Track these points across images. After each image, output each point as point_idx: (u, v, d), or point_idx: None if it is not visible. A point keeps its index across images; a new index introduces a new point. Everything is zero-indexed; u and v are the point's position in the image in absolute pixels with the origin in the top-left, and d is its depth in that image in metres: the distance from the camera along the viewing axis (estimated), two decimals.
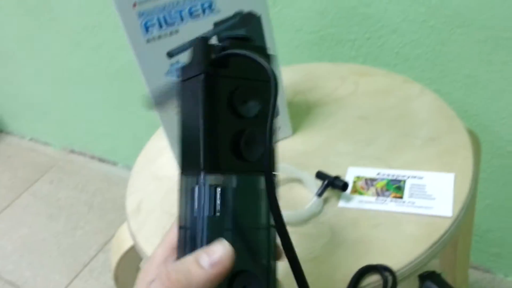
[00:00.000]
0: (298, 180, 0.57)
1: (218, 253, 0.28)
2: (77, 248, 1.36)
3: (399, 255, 0.47)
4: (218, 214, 0.30)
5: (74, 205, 1.50)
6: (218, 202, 0.30)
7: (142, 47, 0.51)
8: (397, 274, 0.46)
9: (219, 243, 0.29)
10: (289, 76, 0.74)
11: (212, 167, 0.30)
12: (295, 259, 0.31)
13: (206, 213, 0.30)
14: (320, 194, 0.54)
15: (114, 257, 0.62)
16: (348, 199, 0.54)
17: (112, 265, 0.63)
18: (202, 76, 0.29)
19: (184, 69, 0.32)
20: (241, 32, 0.34)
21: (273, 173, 0.31)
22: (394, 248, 0.48)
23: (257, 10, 0.53)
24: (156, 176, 0.64)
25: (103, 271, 1.29)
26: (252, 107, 0.31)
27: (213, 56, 0.30)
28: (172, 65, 0.53)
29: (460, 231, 0.76)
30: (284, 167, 0.58)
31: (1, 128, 1.91)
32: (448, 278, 0.87)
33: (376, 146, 0.60)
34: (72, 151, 1.71)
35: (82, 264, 1.31)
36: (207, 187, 0.29)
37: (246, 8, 0.53)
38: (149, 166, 0.66)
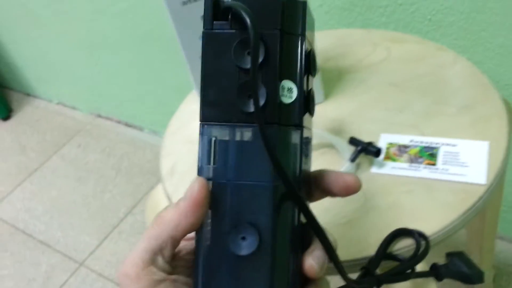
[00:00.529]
0: (331, 146, 0.58)
1: (191, 188, 0.29)
2: (106, 211, 1.40)
3: (432, 221, 0.48)
4: (213, 165, 0.30)
5: (101, 169, 1.53)
6: (215, 152, 0.30)
7: (178, 9, 0.51)
8: (431, 240, 0.47)
9: (193, 180, 0.30)
10: (320, 42, 0.73)
11: (209, 117, 0.30)
12: (312, 223, 0.31)
13: (202, 163, 0.30)
14: (353, 160, 0.54)
15: (149, 216, 0.64)
16: (381, 165, 0.54)
17: (147, 223, 0.64)
18: (203, 32, 0.30)
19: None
20: None
21: (290, 126, 0.30)
22: (426, 214, 0.49)
23: None
24: (189, 140, 0.65)
25: (131, 233, 1.32)
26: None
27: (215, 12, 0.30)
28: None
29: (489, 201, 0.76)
30: (316, 133, 0.58)
31: (29, 91, 1.94)
32: (474, 246, 0.87)
33: (408, 113, 0.60)
34: (99, 116, 1.73)
35: (111, 226, 1.35)
36: (205, 137, 0.30)
37: None
38: (182, 130, 0.67)
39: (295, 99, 0.30)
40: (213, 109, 0.30)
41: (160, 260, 0.31)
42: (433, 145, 0.55)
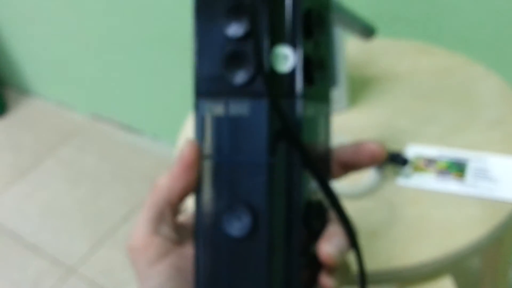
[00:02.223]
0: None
1: (182, 153, 0.30)
2: (100, 215, 1.40)
3: (460, 235, 0.48)
4: (208, 142, 0.30)
5: (98, 173, 1.53)
6: (205, 129, 0.30)
7: None
8: (457, 255, 0.48)
9: (184, 145, 0.30)
10: (352, 49, 0.74)
11: (201, 93, 0.30)
12: (336, 205, 0.30)
13: (197, 139, 0.30)
14: (379, 169, 0.55)
15: None
16: (408, 176, 0.55)
17: None
18: None
19: None
20: None
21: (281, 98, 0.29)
22: (454, 228, 0.49)
23: None
24: None
25: (125, 240, 1.31)
26: (244, 25, 0.29)
27: None
28: None
29: None
30: (341, 140, 0.59)
31: (26, 89, 1.95)
32: (487, 275, 0.88)
33: (436, 125, 0.61)
34: (98, 118, 1.74)
35: (105, 232, 1.35)
36: (198, 112, 0.30)
37: None
38: None
39: (293, 67, 0.29)
40: (205, 82, 0.30)
41: (163, 228, 0.31)
42: (462, 159, 0.56)
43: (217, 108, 0.29)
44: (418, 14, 0.85)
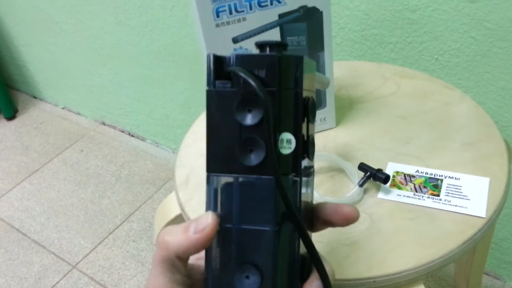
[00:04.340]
0: (340, 169, 0.60)
1: (203, 223, 0.32)
2: (103, 216, 1.40)
3: (434, 247, 0.50)
4: (219, 211, 0.32)
5: (102, 175, 1.54)
6: (218, 200, 0.33)
7: (211, 30, 0.54)
8: (431, 265, 0.49)
9: (205, 215, 0.32)
10: (337, 71, 0.76)
11: (214, 169, 0.32)
12: (314, 257, 0.33)
13: (209, 209, 0.33)
14: (361, 185, 0.56)
15: (159, 223, 0.65)
16: (387, 191, 0.56)
17: (156, 230, 0.66)
18: (207, 90, 0.32)
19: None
20: (279, 41, 0.35)
21: (285, 175, 0.32)
22: (429, 241, 0.51)
23: (320, 6, 0.56)
24: (203, 153, 0.67)
25: (126, 240, 1.33)
26: (254, 116, 0.32)
27: (218, 71, 0.32)
28: (235, 49, 0.56)
29: None
30: (328, 156, 0.60)
31: (36, 94, 1.95)
32: (461, 280, 0.89)
33: (415, 145, 0.62)
34: (103, 123, 1.75)
35: (107, 232, 1.35)
36: (211, 185, 0.33)
37: (310, 4, 0.55)
38: (197, 143, 0.69)
39: (294, 149, 0.32)
40: (217, 161, 0.32)
41: (177, 277, 0.33)
42: (437, 177, 0.57)
43: (228, 183, 0.32)
44: (401, 40, 0.87)
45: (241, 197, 0.32)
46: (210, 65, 0.32)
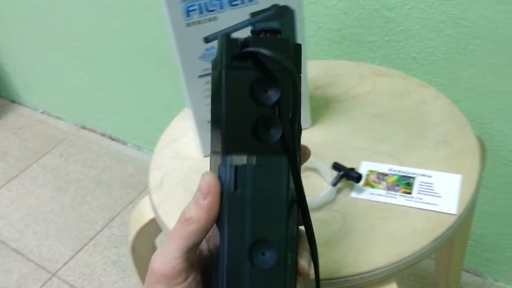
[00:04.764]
0: (315, 169, 0.61)
1: (204, 186, 0.33)
2: (83, 222, 1.40)
3: (405, 245, 0.51)
4: (238, 190, 0.33)
5: (82, 180, 1.54)
6: (237, 179, 0.34)
7: (182, 30, 0.54)
8: (402, 263, 0.50)
9: (201, 178, 0.34)
10: (310, 70, 0.77)
11: (232, 150, 0.33)
12: (311, 233, 0.37)
13: (227, 189, 0.33)
14: (334, 184, 0.57)
15: (133, 228, 0.66)
16: (360, 190, 0.58)
17: (131, 236, 0.66)
18: (223, 70, 0.33)
19: (214, 62, 0.36)
20: (273, 24, 0.37)
21: (297, 154, 0.35)
22: (401, 238, 0.52)
23: (292, 5, 0.57)
24: (178, 155, 0.67)
25: (107, 246, 1.32)
26: (272, 96, 0.34)
27: (234, 52, 0.33)
28: (207, 49, 0.56)
29: (458, 233, 0.80)
30: None
31: (15, 98, 1.94)
32: (441, 277, 0.91)
33: (389, 144, 0.63)
34: (84, 127, 1.74)
35: (88, 238, 1.35)
36: (228, 166, 0.33)
37: (282, 2, 0.56)
38: (172, 145, 0.69)
39: (300, 129, 0.35)
40: (235, 141, 0.34)
41: (191, 258, 0.34)
42: (410, 175, 0.58)
43: (244, 162, 0.34)
44: (379, 39, 0.89)
45: (257, 176, 0.34)
46: (224, 45, 0.33)
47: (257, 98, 0.34)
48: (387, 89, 0.73)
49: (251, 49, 0.33)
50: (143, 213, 0.65)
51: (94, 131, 1.72)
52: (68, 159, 1.63)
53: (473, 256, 1.08)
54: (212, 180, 0.33)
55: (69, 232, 1.38)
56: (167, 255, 0.33)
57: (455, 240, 0.81)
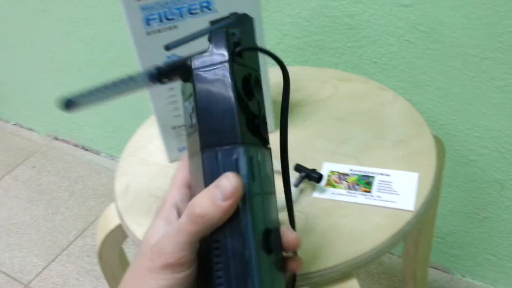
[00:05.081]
0: (278, 172, 0.62)
1: (228, 187, 0.33)
2: (56, 233, 1.38)
3: (365, 241, 0.52)
4: (255, 181, 0.34)
5: (55, 191, 1.52)
6: (254, 170, 0.35)
7: (142, 38, 0.55)
8: (362, 259, 0.51)
9: (224, 177, 0.33)
10: (274, 76, 0.78)
11: (247, 141, 0.35)
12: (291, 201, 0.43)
13: (246, 181, 0.34)
14: (296, 185, 0.58)
15: (100, 235, 0.66)
16: (322, 190, 0.59)
17: (97, 243, 0.66)
18: (228, 63, 0.34)
19: (200, 58, 0.36)
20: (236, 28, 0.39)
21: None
22: (361, 235, 0.53)
23: (251, 13, 0.58)
24: (144, 161, 0.68)
25: (80, 255, 1.31)
26: (258, 92, 0.36)
27: (232, 45, 0.35)
28: (168, 57, 0.57)
29: (422, 230, 0.82)
30: None
31: None
32: (409, 274, 0.93)
33: (350, 145, 0.65)
34: (56, 138, 1.73)
35: (61, 248, 1.34)
36: (245, 157, 0.34)
37: (241, 10, 0.57)
38: (138, 152, 0.70)
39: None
40: (246, 133, 0.35)
41: (195, 249, 0.34)
42: (370, 174, 0.60)
43: (255, 153, 0.35)
44: (342, 45, 0.91)
45: (262, 167, 0.35)
46: (225, 40, 0.35)
47: (252, 93, 0.36)
48: (348, 93, 0.75)
49: (256, 46, 0.37)
50: (109, 220, 0.65)
51: (67, 142, 1.70)
52: (41, 170, 1.61)
53: (440, 253, 1.10)
54: (238, 183, 0.33)
55: (42, 243, 1.36)
56: (173, 250, 0.33)
57: (420, 237, 0.83)
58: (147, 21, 0.54)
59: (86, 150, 1.65)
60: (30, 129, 1.80)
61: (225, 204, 0.33)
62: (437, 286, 1.10)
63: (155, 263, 0.34)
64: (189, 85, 0.36)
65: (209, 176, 0.34)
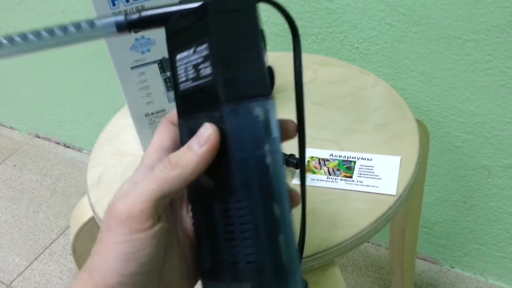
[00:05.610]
0: None
1: (204, 135, 0.31)
2: (38, 231, 1.35)
3: (347, 227, 0.50)
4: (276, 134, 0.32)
5: (36, 189, 1.48)
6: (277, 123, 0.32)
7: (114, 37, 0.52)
8: (343, 245, 0.49)
9: (203, 127, 0.31)
10: None
11: (270, 92, 0.32)
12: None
13: (277, 134, 0.32)
14: None
15: (73, 228, 0.63)
16: None
17: (71, 236, 0.63)
18: (255, 8, 0.32)
19: (216, 4, 0.32)
20: None
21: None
22: (342, 221, 0.51)
23: None
24: (118, 151, 0.65)
25: (63, 254, 1.28)
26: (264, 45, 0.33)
27: None
28: (137, 39, 0.54)
29: (408, 219, 0.80)
30: None
31: None
32: (396, 264, 0.91)
33: (330, 130, 0.62)
34: (37, 136, 1.69)
35: (43, 247, 1.30)
36: (272, 109, 0.32)
37: None
38: (112, 142, 0.67)
39: None
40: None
41: (162, 207, 0.31)
42: (350, 159, 0.57)
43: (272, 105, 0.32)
44: (322, 31, 0.88)
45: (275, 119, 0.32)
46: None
47: (265, 44, 0.34)
48: (328, 77, 0.72)
49: None
50: (82, 213, 0.62)
51: (49, 140, 1.66)
52: (22, 168, 1.57)
53: (428, 243, 1.08)
54: (214, 130, 0.31)
55: (24, 242, 1.32)
56: (138, 196, 0.30)
57: (406, 226, 0.81)
58: (113, 2, 0.51)
59: (68, 147, 1.62)
60: (10, 128, 1.75)
61: (201, 150, 0.31)
62: (426, 277, 1.08)
63: (110, 221, 0.30)
64: (195, 32, 0.32)
65: (232, 132, 0.31)
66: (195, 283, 0.36)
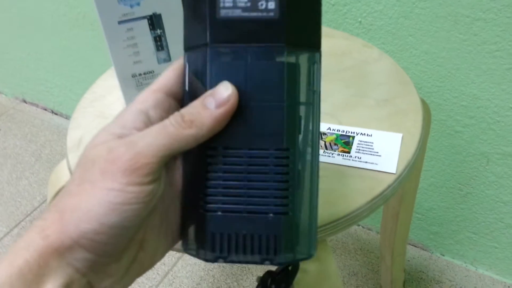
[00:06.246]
0: None
1: (224, 94, 0.28)
2: (20, 198, 1.31)
3: (342, 205, 0.46)
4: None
5: (21, 155, 1.44)
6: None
7: None
8: (338, 223, 0.46)
9: (223, 86, 0.29)
10: None
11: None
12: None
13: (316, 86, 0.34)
14: None
15: (50, 192, 0.59)
16: None
17: (48, 198, 0.60)
18: None
19: None
20: None
21: None
22: (337, 199, 0.47)
23: None
24: (101, 114, 0.61)
25: None
26: None
27: None
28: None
29: (403, 202, 0.76)
30: None
31: None
32: (386, 249, 0.88)
33: (329, 103, 0.59)
34: (24, 101, 1.63)
35: (24, 214, 1.26)
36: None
37: None
38: (95, 104, 0.63)
39: None
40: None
41: (166, 162, 0.29)
42: (349, 134, 0.54)
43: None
44: (325, 2, 0.84)
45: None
46: None
47: None
48: (329, 49, 0.68)
49: None
50: (60, 176, 0.58)
51: (36, 105, 1.61)
52: (6, 133, 1.53)
53: (420, 230, 1.06)
54: (234, 91, 0.28)
55: (5, 208, 1.28)
56: (146, 148, 0.27)
57: (400, 209, 0.78)
58: None
59: (55, 114, 1.57)
60: None
61: (218, 112, 0.28)
62: (415, 264, 1.06)
63: (115, 165, 0.27)
64: None
65: (284, 77, 0.30)
66: (173, 244, 0.33)
